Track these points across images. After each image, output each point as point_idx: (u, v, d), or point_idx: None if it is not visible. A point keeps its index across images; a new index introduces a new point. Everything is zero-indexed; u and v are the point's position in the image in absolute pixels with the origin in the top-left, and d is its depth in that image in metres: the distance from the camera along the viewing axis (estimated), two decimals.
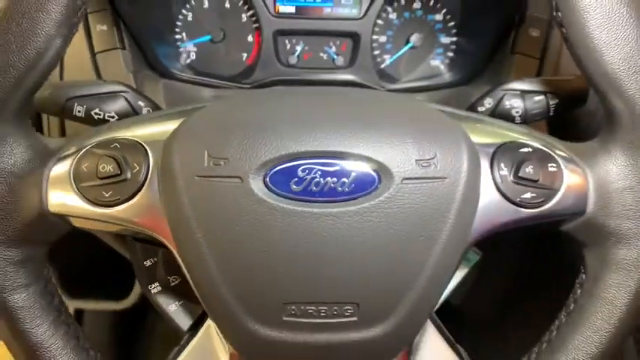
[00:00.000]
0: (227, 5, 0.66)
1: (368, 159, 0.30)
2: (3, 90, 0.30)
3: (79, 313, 0.87)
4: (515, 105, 0.44)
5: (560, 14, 0.31)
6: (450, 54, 0.69)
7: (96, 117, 0.42)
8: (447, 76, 0.68)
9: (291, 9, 0.65)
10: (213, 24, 0.66)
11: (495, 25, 0.61)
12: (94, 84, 0.42)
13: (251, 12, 0.65)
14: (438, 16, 0.67)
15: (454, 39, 0.68)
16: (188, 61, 0.68)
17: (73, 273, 0.78)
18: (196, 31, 0.66)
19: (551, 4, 0.31)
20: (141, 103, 0.43)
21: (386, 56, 0.69)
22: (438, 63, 0.69)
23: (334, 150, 0.30)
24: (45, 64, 0.30)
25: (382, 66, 0.69)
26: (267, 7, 0.64)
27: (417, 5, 0.66)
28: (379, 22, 0.67)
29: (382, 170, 0.31)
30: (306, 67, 0.68)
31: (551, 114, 0.44)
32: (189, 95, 0.64)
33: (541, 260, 0.70)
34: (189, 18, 0.66)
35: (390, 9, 0.66)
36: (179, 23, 0.66)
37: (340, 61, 0.68)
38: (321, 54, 0.68)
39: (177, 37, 0.67)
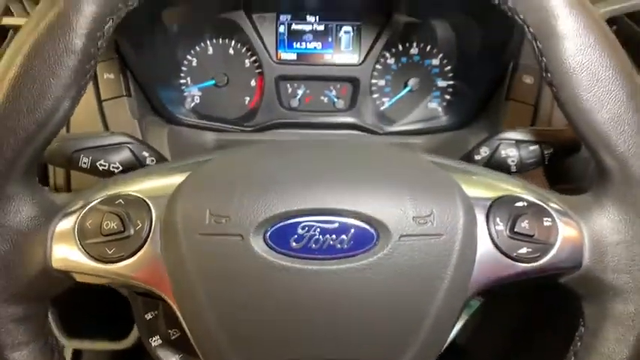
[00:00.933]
0: (231, 52, 0.68)
1: (366, 216, 0.31)
2: (12, 151, 0.31)
3: (77, 353, 0.86)
4: (510, 154, 0.45)
5: (549, 75, 0.32)
6: (447, 97, 0.70)
7: (101, 168, 0.43)
8: (444, 119, 0.69)
9: (293, 56, 0.67)
10: (217, 69, 0.68)
11: (490, 70, 0.63)
12: (99, 136, 0.43)
13: (254, 58, 0.67)
14: (435, 61, 0.69)
15: (451, 82, 0.70)
16: (192, 104, 0.69)
17: (72, 312, 0.77)
18: (201, 76, 0.69)
19: (540, 65, 0.33)
20: (145, 154, 0.44)
21: (385, 99, 0.70)
22: (435, 105, 0.71)
23: (333, 207, 0.31)
24: (53, 124, 0.31)
25: (381, 108, 0.71)
26: (269, 54, 0.66)
27: (414, 51, 0.69)
28: (378, 67, 0.69)
29: (380, 227, 0.31)
30: (308, 110, 0.70)
31: (546, 163, 0.45)
32: (193, 140, 0.66)
33: (543, 308, 0.69)
34: (194, 63, 0.68)
35: (388, 55, 0.68)
36: (184, 68, 0.68)
37: (340, 104, 0.70)
38: (322, 97, 0.70)
39: (182, 81, 0.69)
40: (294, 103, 0.69)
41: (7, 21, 0.60)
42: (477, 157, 0.46)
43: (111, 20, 0.31)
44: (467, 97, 0.67)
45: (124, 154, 0.44)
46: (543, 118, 0.57)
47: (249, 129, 0.68)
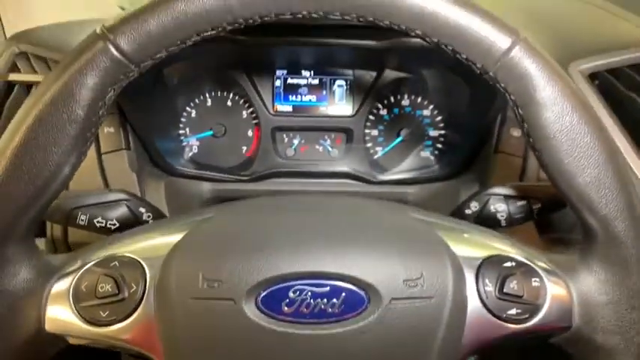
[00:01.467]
0: (229, 103, 0.70)
1: (357, 280, 0.32)
2: (13, 216, 0.32)
3: None
4: (499, 209, 0.46)
5: (531, 139, 0.34)
6: (439, 145, 0.72)
7: (98, 225, 0.44)
8: (435, 168, 0.71)
9: (289, 108, 0.69)
10: (215, 120, 0.70)
11: (479, 122, 0.65)
12: (97, 194, 0.44)
13: (251, 110, 0.70)
14: (426, 112, 0.71)
15: (442, 132, 0.72)
16: (190, 154, 0.71)
17: None
18: (199, 127, 0.70)
19: (522, 129, 0.34)
20: (142, 210, 0.45)
21: (378, 148, 0.72)
22: (427, 154, 0.72)
23: (324, 271, 0.32)
24: (53, 189, 0.33)
25: (374, 157, 0.72)
26: (266, 107, 0.68)
27: (405, 102, 0.71)
28: (370, 117, 0.71)
29: (371, 290, 0.32)
30: (303, 159, 0.71)
31: (534, 217, 0.46)
32: (190, 191, 0.67)
33: None
34: (193, 115, 0.70)
35: (380, 106, 0.71)
36: (183, 119, 0.70)
37: (335, 153, 0.72)
38: (317, 147, 0.72)
39: (181, 132, 0.71)
40: (290, 152, 0.71)
41: (13, 77, 0.63)
42: (468, 212, 0.47)
43: (112, 90, 0.32)
44: (458, 147, 0.69)
45: (122, 211, 0.45)
46: (532, 169, 0.58)
47: (246, 178, 0.70)
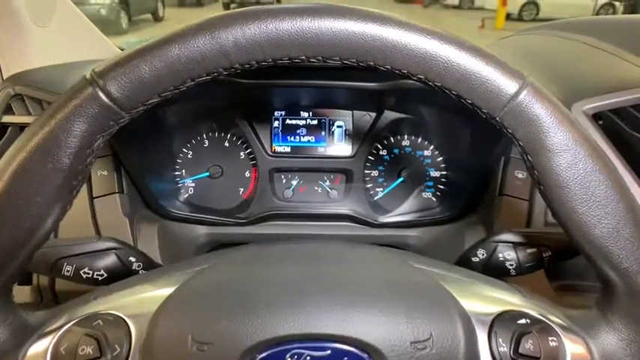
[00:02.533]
0: (226, 144, 0.69)
1: (360, 342, 0.29)
2: None
3: None
4: (508, 257, 0.43)
5: (542, 187, 0.32)
6: (441, 186, 0.70)
7: (84, 276, 0.41)
8: (438, 210, 0.69)
9: (287, 149, 0.68)
10: (212, 161, 0.69)
11: (482, 163, 0.64)
12: (84, 242, 0.42)
13: (249, 151, 0.68)
14: (427, 152, 0.70)
15: (444, 172, 0.70)
16: (186, 196, 0.69)
17: None
18: (195, 168, 0.69)
19: (532, 177, 0.32)
20: (132, 259, 0.43)
21: (378, 189, 0.70)
22: (429, 195, 0.71)
23: (324, 333, 0.29)
24: (34, 242, 0.30)
25: (375, 198, 0.70)
26: (263, 148, 0.67)
27: (405, 142, 0.70)
28: (370, 158, 0.69)
29: (376, 355, 0.29)
30: (302, 200, 0.69)
31: (545, 266, 0.43)
32: (184, 235, 0.65)
33: None
34: (190, 155, 0.69)
35: (380, 146, 0.70)
36: (179, 161, 0.69)
37: (334, 194, 0.70)
38: (316, 187, 0.70)
39: (177, 173, 0.69)
40: (288, 194, 0.69)
41: (7, 119, 0.62)
42: (475, 259, 0.44)
43: (101, 137, 0.31)
44: (460, 189, 0.68)
45: (110, 260, 0.42)
46: (539, 213, 0.56)
47: (243, 220, 0.67)
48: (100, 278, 0.41)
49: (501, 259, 0.43)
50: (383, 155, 0.70)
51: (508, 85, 0.29)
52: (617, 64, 0.64)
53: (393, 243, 0.67)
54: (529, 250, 0.43)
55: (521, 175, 0.59)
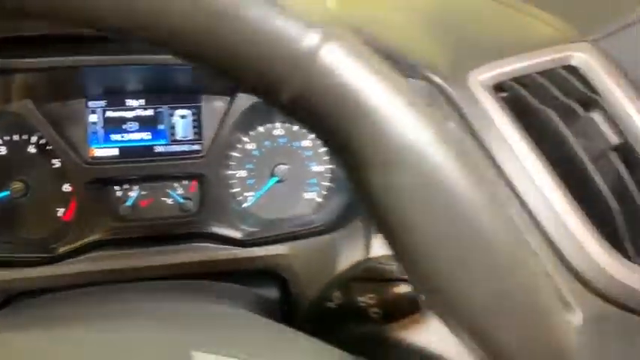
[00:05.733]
0: (31, 150, 0.50)
1: None
2: None
3: None
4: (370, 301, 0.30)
5: None
6: (327, 183, 0.57)
7: None
8: (323, 214, 0.55)
9: (113, 151, 0.51)
10: (12, 176, 0.50)
11: None
12: None
13: (59, 158, 0.50)
14: (306, 142, 0.56)
15: (329, 166, 0.56)
16: None
17: None
18: None
19: None
20: None
21: (248, 194, 0.55)
22: (313, 196, 0.57)
23: None
24: None
25: (244, 206, 0.55)
26: (76, 152, 0.49)
27: (278, 132, 0.55)
28: (233, 154, 0.54)
29: None
30: (144, 218, 0.53)
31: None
32: None
33: None
34: None
35: (244, 139, 0.54)
36: None
37: (189, 205, 0.54)
38: (164, 198, 0.54)
39: None
40: (125, 210, 0.52)
41: None
42: (329, 305, 0.31)
43: None
44: (348, 186, 0.54)
45: None
46: None
47: (61, 251, 0.49)
48: None
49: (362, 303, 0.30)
50: (250, 150, 0.55)
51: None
52: (521, 21, 0.53)
53: (264, 267, 0.53)
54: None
55: None
